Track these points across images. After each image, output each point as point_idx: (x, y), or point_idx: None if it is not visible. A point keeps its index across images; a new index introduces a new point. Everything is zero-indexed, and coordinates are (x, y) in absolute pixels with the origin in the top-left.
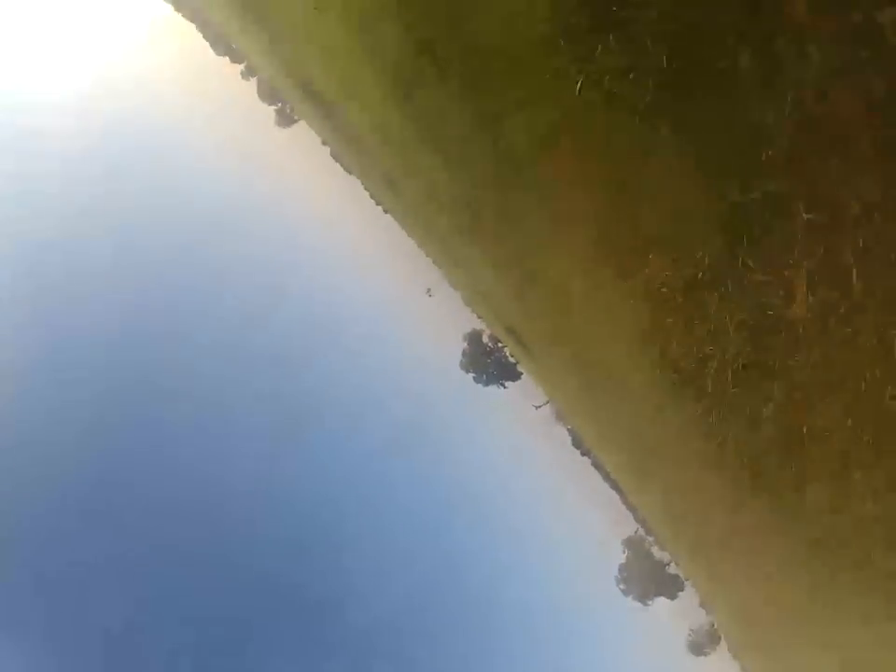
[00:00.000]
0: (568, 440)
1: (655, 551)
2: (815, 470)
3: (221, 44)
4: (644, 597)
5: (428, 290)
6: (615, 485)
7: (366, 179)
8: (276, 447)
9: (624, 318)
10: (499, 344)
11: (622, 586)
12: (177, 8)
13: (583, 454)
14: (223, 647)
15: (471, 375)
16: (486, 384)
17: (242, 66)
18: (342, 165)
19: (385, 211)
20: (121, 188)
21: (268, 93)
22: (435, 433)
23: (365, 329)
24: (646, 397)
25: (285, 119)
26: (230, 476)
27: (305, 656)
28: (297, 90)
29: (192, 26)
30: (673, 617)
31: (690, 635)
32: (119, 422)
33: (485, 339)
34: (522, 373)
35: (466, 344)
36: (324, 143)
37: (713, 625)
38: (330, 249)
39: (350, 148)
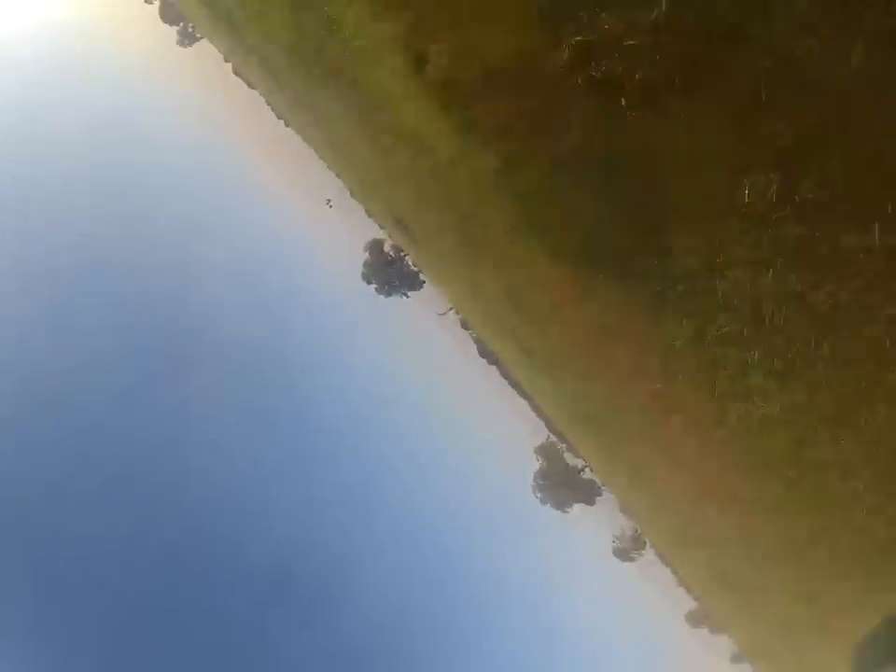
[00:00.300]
0: (475, 349)
1: (569, 457)
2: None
3: None
4: (562, 505)
5: (328, 201)
6: (523, 393)
7: (260, 83)
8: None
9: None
10: (402, 253)
11: (538, 494)
12: None
13: (490, 363)
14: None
15: (373, 286)
16: (388, 294)
17: None
18: (244, 80)
19: (287, 125)
20: (19, 121)
21: (170, 15)
22: (337, 347)
23: (265, 244)
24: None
25: (187, 39)
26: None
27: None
28: None
29: None
30: (596, 524)
31: (614, 541)
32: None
33: (387, 248)
34: (424, 282)
35: (367, 254)
36: (226, 59)
37: (636, 530)
38: (232, 165)
39: (242, 52)
